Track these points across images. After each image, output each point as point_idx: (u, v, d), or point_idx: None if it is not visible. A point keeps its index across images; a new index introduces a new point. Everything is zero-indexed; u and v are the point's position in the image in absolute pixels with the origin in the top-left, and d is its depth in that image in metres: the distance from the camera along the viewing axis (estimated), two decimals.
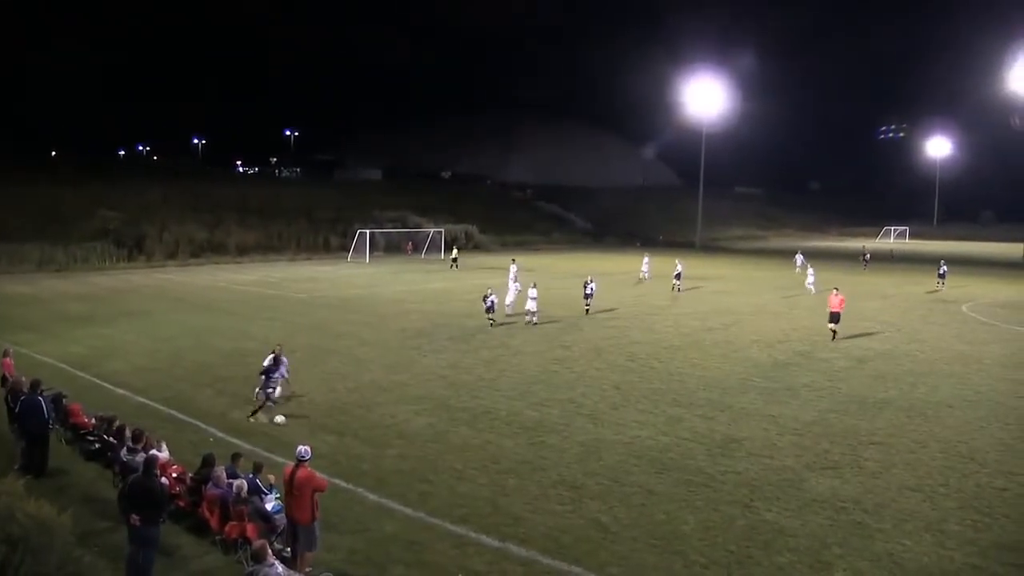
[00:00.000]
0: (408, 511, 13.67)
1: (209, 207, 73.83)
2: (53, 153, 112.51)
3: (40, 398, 15.47)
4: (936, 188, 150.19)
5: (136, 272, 54.43)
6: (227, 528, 12.03)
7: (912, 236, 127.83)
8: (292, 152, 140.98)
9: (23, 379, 16.56)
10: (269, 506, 12.26)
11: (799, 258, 56.71)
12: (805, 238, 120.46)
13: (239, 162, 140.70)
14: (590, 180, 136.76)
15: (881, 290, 49.65)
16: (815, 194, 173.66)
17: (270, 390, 19.27)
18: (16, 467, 14.74)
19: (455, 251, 65.45)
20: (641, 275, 51.73)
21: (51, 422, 15.68)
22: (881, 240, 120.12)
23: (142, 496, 10.97)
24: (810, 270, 49.55)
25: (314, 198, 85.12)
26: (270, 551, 9.39)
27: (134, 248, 59.92)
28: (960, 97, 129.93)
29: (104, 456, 15.44)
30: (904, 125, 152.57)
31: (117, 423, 15.66)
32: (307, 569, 11.11)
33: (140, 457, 12.35)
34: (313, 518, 11.25)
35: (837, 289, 32.29)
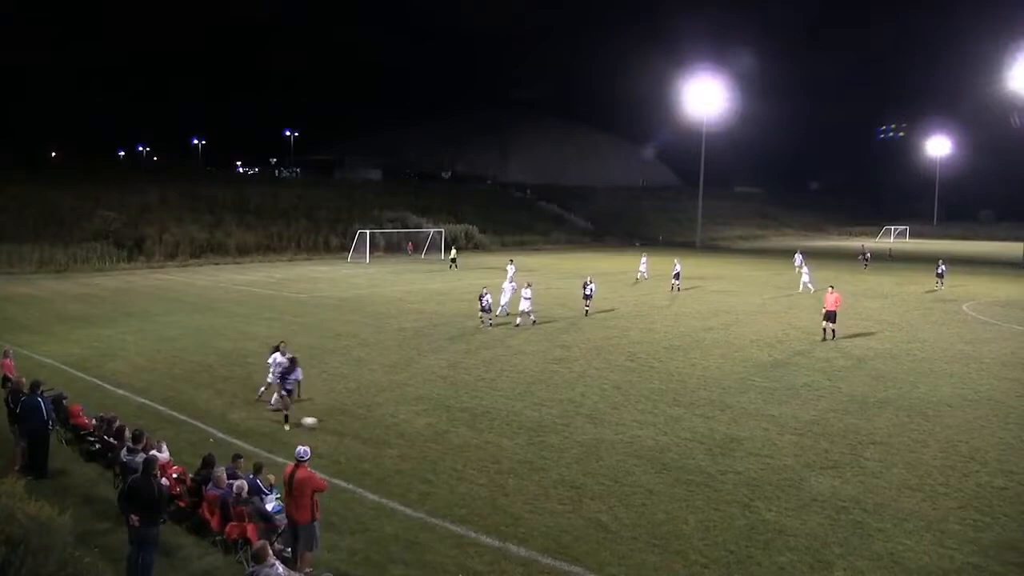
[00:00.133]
0: (408, 511, 13.67)
1: (209, 207, 73.87)
2: (53, 154, 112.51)
3: (40, 399, 15.47)
4: (936, 187, 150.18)
5: (136, 273, 54.47)
6: (227, 529, 12.04)
7: (912, 235, 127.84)
8: (292, 152, 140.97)
9: (23, 380, 16.57)
10: (269, 506, 12.26)
11: (798, 257, 56.72)
12: (805, 238, 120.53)
13: (239, 162, 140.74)
14: (590, 180, 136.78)
15: (881, 289, 49.66)
16: (815, 194, 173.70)
17: (288, 392, 18.83)
18: (17, 468, 14.76)
19: (454, 251, 65.47)
20: (639, 275, 51.78)
21: (51, 423, 15.68)
22: (881, 239, 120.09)
23: (141, 496, 10.99)
24: (805, 269, 49.53)
25: (314, 198, 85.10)
26: (271, 551, 9.40)
27: (134, 249, 59.94)
28: (960, 96, 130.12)
29: (104, 457, 15.46)
30: (903, 125, 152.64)
31: (117, 424, 15.67)
32: (307, 569, 11.11)
33: (140, 458, 12.35)
34: (313, 518, 11.26)
35: (832, 287, 32.25)
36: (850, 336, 31.23)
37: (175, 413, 19.42)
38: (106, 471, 15.15)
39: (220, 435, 17.65)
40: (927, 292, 47.99)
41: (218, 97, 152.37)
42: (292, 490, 11.31)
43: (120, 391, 21.47)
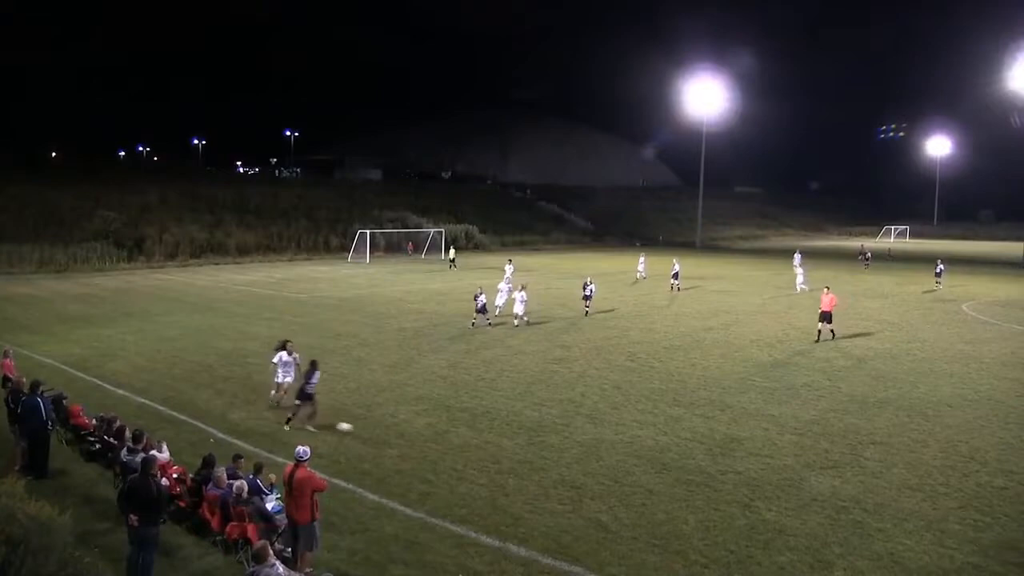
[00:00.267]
0: (408, 511, 13.68)
1: (209, 207, 73.89)
2: (53, 154, 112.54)
3: (40, 399, 15.46)
4: (936, 187, 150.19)
5: (136, 273, 54.48)
6: (228, 529, 12.04)
7: (912, 235, 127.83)
8: (292, 152, 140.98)
9: (23, 380, 16.57)
10: (270, 506, 12.26)
11: (797, 257, 56.76)
12: (805, 237, 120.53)
13: (239, 162, 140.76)
14: (590, 180, 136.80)
15: (881, 289, 49.66)
16: (815, 193, 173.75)
17: (309, 396, 18.24)
18: (17, 468, 14.76)
19: (452, 251, 65.40)
20: (637, 275, 51.76)
21: (51, 423, 15.67)
22: (881, 239, 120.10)
23: (140, 496, 10.99)
24: (800, 269, 49.46)
25: (314, 198, 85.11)
26: (271, 551, 9.40)
27: (134, 249, 59.94)
28: (959, 96, 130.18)
29: (105, 457, 15.46)
30: (904, 125, 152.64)
31: (118, 424, 15.67)
32: (307, 569, 11.12)
33: (140, 458, 12.36)
34: (313, 518, 11.26)
35: (828, 288, 32.14)
36: (850, 336, 31.22)
37: (175, 413, 19.43)
38: (106, 471, 15.16)
39: (220, 435, 17.66)
40: (926, 292, 47.98)
41: (218, 97, 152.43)
42: (292, 490, 11.32)
43: (120, 391, 21.48)
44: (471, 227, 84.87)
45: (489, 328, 31.85)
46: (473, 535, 12.78)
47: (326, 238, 72.66)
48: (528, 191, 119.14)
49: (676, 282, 46.57)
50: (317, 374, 18.53)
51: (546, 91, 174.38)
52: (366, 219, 76.42)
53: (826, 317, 30.49)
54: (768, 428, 18.84)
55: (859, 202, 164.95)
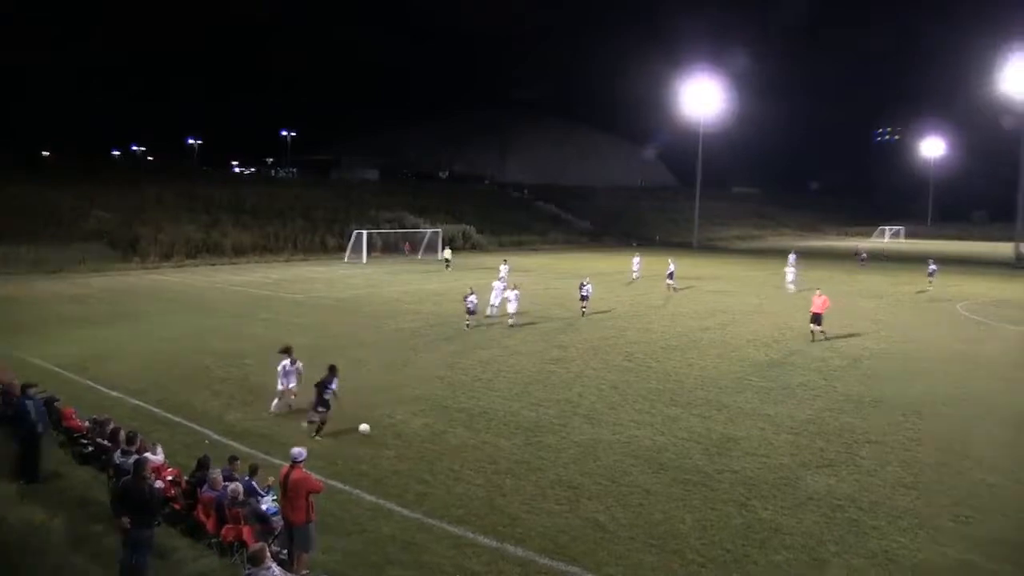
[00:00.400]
0: (405, 512, 13.68)
1: (205, 208, 73.70)
2: (47, 153, 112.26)
3: (31, 401, 15.36)
4: (930, 188, 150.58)
5: (131, 273, 54.32)
6: (223, 531, 12.03)
7: (907, 236, 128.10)
8: (289, 152, 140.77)
9: (15, 382, 16.50)
10: (265, 508, 12.26)
11: (792, 257, 56.80)
12: (802, 238, 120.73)
13: (235, 162, 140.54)
14: (588, 180, 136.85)
15: (876, 289, 49.75)
16: (812, 194, 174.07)
17: (326, 404, 17.87)
18: (9, 472, 14.70)
19: (448, 251, 65.23)
20: (632, 275, 51.70)
21: (43, 426, 15.55)
22: (877, 240, 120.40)
23: (133, 499, 10.95)
24: (791, 269, 49.42)
25: (311, 198, 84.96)
26: (268, 554, 9.40)
27: (129, 249, 59.76)
28: (954, 98, 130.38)
29: (98, 459, 15.37)
30: (899, 128, 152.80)
31: (111, 426, 15.57)
32: (304, 571, 11.11)
33: (133, 460, 12.33)
34: (308, 520, 11.26)
35: (820, 290, 32.11)
36: (845, 336, 31.28)
37: (171, 415, 19.38)
38: (100, 474, 15.08)
39: (216, 437, 17.63)
40: (919, 292, 48.01)
41: (214, 97, 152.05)
42: (288, 491, 11.32)
43: (115, 393, 21.41)
44: (469, 227, 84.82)
45: (483, 328, 31.82)
46: (470, 535, 12.79)
47: (323, 238, 72.55)
48: (526, 191, 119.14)
49: (671, 282, 46.62)
50: (336, 380, 18.11)
51: (545, 91, 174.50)
52: (363, 219, 76.35)
53: (817, 319, 30.51)
54: (764, 428, 18.88)
55: (855, 202, 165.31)
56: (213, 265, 60.47)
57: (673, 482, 15.23)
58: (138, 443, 13.74)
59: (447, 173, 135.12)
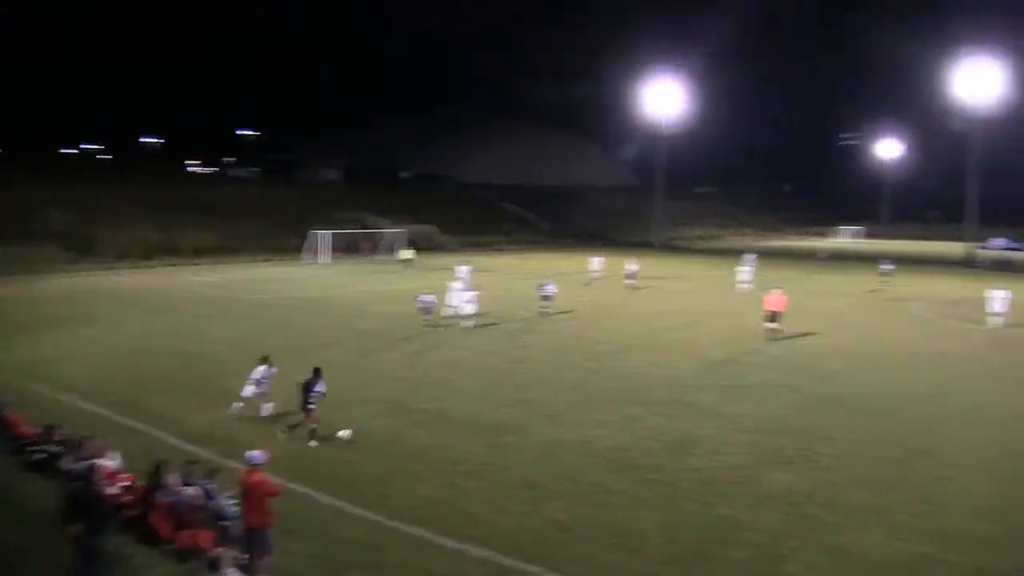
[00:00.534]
0: (366, 514, 13.59)
1: (164, 207, 72.49)
2: None
3: None
4: (887, 189, 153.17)
5: (87, 274, 53.16)
6: (180, 537, 11.83)
7: (865, 236, 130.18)
8: (250, 152, 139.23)
9: None
10: (224, 512, 12.10)
11: (748, 257, 57.39)
12: (763, 238, 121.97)
13: (195, 162, 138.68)
14: (553, 180, 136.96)
15: (834, 288, 50.47)
16: (773, 195, 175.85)
17: (311, 407, 17.64)
18: None
19: (407, 252, 64.99)
20: (591, 275, 51.71)
21: None
22: (836, 240, 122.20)
23: (84, 506, 10.70)
24: (742, 268, 49.75)
25: (273, 198, 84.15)
26: (226, 559, 9.28)
27: (85, 250, 58.66)
28: (910, 101, 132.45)
29: (48, 467, 14.95)
30: (858, 134, 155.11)
31: (63, 432, 15.19)
32: None
33: (84, 465, 12.08)
34: (268, 523, 11.11)
35: (777, 288, 32.37)
36: (803, 335, 31.68)
37: (128, 419, 19.00)
38: (50, 481, 14.72)
39: (175, 440, 17.35)
40: (871, 291, 48.65)
41: (173, 95, 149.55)
42: (246, 495, 11.17)
43: (71, 397, 20.89)
44: (432, 228, 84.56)
45: (444, 329, 31.68)
46: (432, 537, 12.74)
47: (285, 239, 71.77)
48: (491, 192, 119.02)
49: (631, 282, 46.90)
50: (321, 383, 17.88)
51: (508, 91, 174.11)
52: (325, 219, 75.65)
53: (773, 317, 30.83)
54: (725, 426, 19.07)
55: (816, 203, 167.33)
56: (172, 266, 59.54)
57: (635, 481, 15.31)
58: (89, 448, 13.45)
59: (411, 174, 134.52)
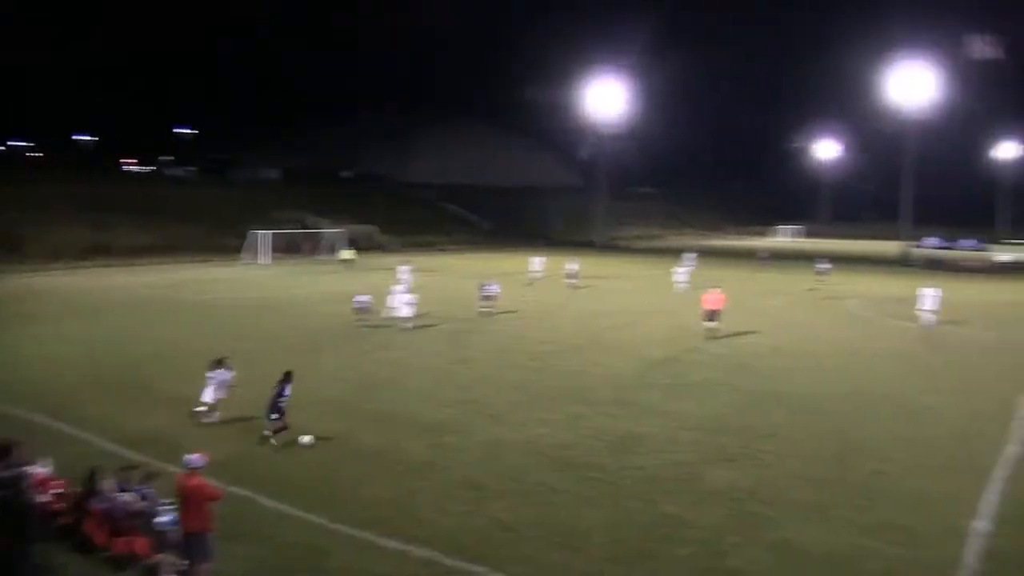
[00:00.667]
0: (310, 517, 13.40)
1: (98, 207, 70.67)
2: None
3: None
4: (825, 190, 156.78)
5: (16, 276, 51.51)
6: (116, 544, 11.52)
7: (804, 235, 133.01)
8: (188, 151, 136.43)
9: None
10: (163, 518, 11.81)
11: (687, 256, 58.12)
12: (704, 237, 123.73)
13: (130, 160, 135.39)
14: (494, 180, 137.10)
15: (773, 287, 51.42)
16: (715, 194, 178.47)
17: (280, 412, 17.19)
18: None
19: (348, 252, 64.48)
20: (532, 275, 51.83)
21: None
22: (775, 239, 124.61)
23: (12, 516, 10.33)
24: (679, 269, 50.20)
25: (210, 198, 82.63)
26: (165, 565, 9.07)
27: (13, 249, 56.83)
28: (848, 102, 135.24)
29: None
30: (796, 138, 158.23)
31: None
32: None
33: (9, 473, 11.65)
34: (207, 528, 10.88)
35: (715, 288, 32.67)
36: (743, 333, 32.19)
37: (64, 424, 18.35)
38: None
39: (113, 446, 16.88)
40: (809, 290, 49.66)
41: (107, 92, 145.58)
42: (185, 500, 10.92)
43: (1, 403, 20.21)
44: (372, 228, 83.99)
45: (386, 330, 31.40)
46: (376, 539, 12.61)
47: (223, 239, 70.56)
48: (432, 192, 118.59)
49: (572, 281, 47.22)
50: (290, 387, 17.50)
51: (449, 91, 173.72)
52: (265, 219, 74.58)
53: (711, 316, 31.25)
54: (667, 424, 19.26)
55: (756, 202, 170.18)
56: (107, 267, 58.04)
57: (578, 480, 15.37)
58: (13, 454, 12.98)
59: (351, 173, 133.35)
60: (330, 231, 75.01)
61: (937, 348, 30.55)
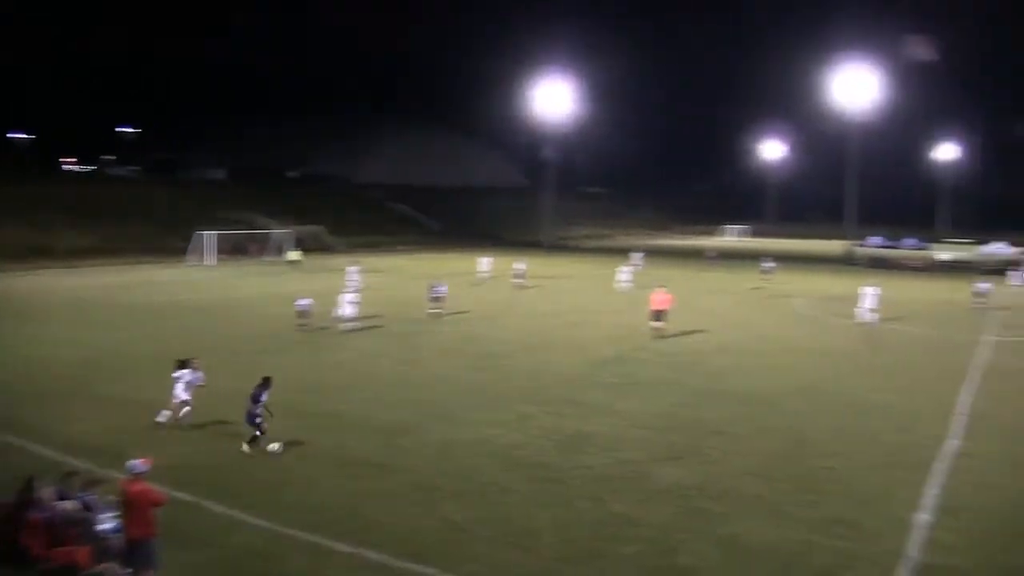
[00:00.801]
0: (260, 522, 13.21)
1: (35, 208, 68.80)
2: None
3: None
4: (771, 190, 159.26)
5: None
6: (56, 554, 11.20)
7: (751, 234, 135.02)
8: (130, 150, 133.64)
9: None
10: (105, 526, 11.55)
11: (635, 256, 58.55)
12: (650, 237, 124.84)
13: (70, 160, 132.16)
14: (442, 181, 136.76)
15: (719, 286, 52.11)
16: (661, 194, 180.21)
17: (259, 419, 16.91)
18: None
19: (295, 253, 63.85)
20: (480, 276, 51.84)
21: None
22: (722, 238, 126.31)
23: None
24: (623, 268, 50.43)
25: (154, 199, 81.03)
26: (108, 574, 8.87)
27: None
28: (794, 102, 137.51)
29: None
30: (746, 141, 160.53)
31: None
32: None
33: None
34: (151, 535, 10.66)
35: (662, 287, 32.87)
36: (690, 332, 32.58)
37: (0, 433, 17.93)
38: None
39: (51, 453, 16.44)
40: (754, 289, 50.39)
41: (45, 90, 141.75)
42: (128, 506, 10.69)
43: None
44: (320, 228, 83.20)
45: (334, 332, 31.12)
46: (327, 542, 12.49)
47: (168, 240, 69.25)
48: (380, 192, 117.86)
49: (520, 280, 47.36)
50: (267, 393, 17.16)
51: (397, 91, 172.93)
52: (211, 220, 73.34)
53: (658, 316, 31.54)
54: (616, 423, 19.40)
55: (703, 202, 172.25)
56: (46, 269, 56.53)
57: (528, 479, 15.41)
58: None
59: (298, 174, 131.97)
60: (277, 232, 74.11)
61: (880, 346, 31.21)
